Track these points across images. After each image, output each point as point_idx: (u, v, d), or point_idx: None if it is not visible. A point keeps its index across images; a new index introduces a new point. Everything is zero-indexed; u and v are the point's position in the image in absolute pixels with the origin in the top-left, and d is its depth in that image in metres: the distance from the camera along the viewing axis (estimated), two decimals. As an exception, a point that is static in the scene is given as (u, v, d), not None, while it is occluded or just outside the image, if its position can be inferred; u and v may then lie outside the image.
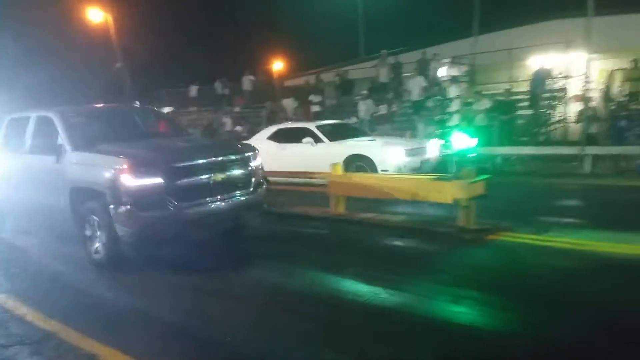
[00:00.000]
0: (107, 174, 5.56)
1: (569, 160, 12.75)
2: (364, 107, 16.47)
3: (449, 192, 6.91)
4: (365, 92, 17.56)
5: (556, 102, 16.73)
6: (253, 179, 6.48)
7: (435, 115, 14.76)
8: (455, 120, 12.73)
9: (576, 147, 12.59)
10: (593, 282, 4.98)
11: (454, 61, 15.58)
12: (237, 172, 6.31)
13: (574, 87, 17.23)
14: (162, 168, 5.59)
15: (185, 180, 5.70)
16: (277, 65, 28.44)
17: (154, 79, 26.98)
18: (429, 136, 12.30)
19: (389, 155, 10.12)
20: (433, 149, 11.00)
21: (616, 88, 16.48)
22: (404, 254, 6.40)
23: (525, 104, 15.91)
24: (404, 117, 16.68)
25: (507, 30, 19.57)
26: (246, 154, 6.49)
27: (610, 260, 5.55)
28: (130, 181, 5.44)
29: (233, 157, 6.34)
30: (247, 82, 23.28)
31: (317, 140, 11.00)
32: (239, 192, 6.27)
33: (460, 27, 18.79)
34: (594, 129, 14.26)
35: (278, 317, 4.56)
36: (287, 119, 17.54)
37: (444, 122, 12.91)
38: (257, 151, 6.72)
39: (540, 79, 16.07)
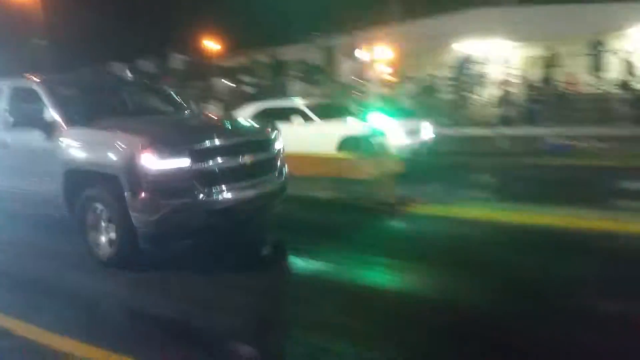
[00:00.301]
0: (123, 155, 4.74)
1: (487, 140, 13.48)
2: (296, 89, 16.61)
3: (369, 169, 7.22)
4: (297, 73, 17.71)
5: (478, 87, 17.58)
6: (278, 162, 5.86)
7: (361, 97, 15.14)
8: (375, 102, 13.11)
9: (494, 128, 13.35)
10: (497, 248, 5.40)
11: (375, 45, 15.98)
12: (263, 154, 5.58)
13: (497, 73, 18.17)
14: (188, 148, 4.83)
15: (212, 163, 4.98)
16: (210, 45, 27.94)
17: (80, 56, 25.78)
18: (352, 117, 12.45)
19: (390, 135, 9.46)
20: (427, 129, 10.77)
21: (535, 74, 17.57)
22: (325, 227, 6.63)
23: (450, 88, 16.63)
24: (335, 98, 16.98)
25: (435, 16, 20.27)
26: (271, 135, 5.82)
27: (515, 229, 6.02)
28: (153, 163, 4.66)
29: (259, 138, 5.71)
30: (176, 60, 22.78)
31: (307, 119, 10.25)
32: (265, 176, 5.55)
33: (392, 11, 19.23)
34: (512, 111, 15.16)
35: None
36: (219, 100, 17.38)
37: (366, 103, 13.24)
38: (278, 132, 6.02)
39: (464, 64, 16.85)
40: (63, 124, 5.31)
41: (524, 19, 18.28)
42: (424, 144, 10.43)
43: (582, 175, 9.13)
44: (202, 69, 22.77)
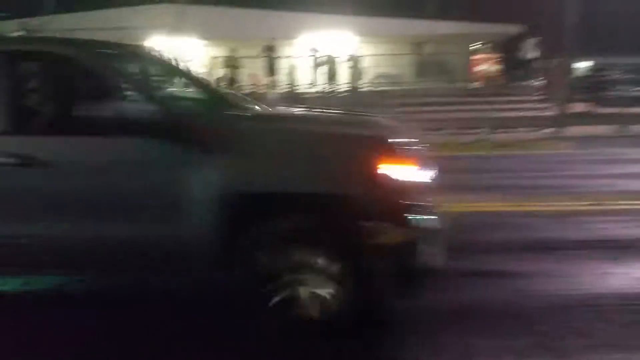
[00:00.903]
0: (355, 165, 3.05)
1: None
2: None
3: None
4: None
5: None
6: None
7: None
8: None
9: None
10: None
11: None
12: None
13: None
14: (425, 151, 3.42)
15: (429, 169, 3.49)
16: None
17: None
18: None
19: None
20: None
21: (220, 73, 18.54)
22: None
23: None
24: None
25: (116, 8, 19.40)
26: None
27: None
28: (412, 173, 3.12)
29: None
30: None
31: None
32: None
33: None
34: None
35: None
36: None
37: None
38: None
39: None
40: (188, 120, 3.19)
41: (208, 19, 19.04)
42: None
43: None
44: None
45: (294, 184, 3.08)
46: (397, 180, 3.03)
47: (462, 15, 20.45)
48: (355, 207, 2.99)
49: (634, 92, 20.09)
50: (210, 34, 19.36)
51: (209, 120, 3.31)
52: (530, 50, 19.55)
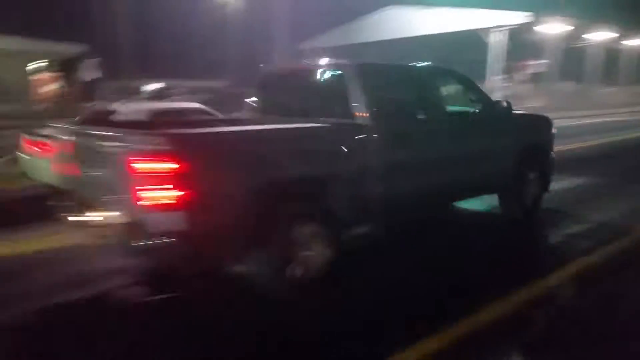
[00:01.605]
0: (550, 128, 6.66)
1: None
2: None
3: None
4: None
5: None
6: None
7: None
8: None
9: None
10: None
11: None
12: None
13: None
14: None
15: None
16: None
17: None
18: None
19: None
20: None
21: None
22: None
23: None
24: None
25: None
26: None
27: None
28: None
29: None
30: None
31: None
32: None
33: None
34: None
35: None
36: None
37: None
38: None
39: None
40: (510, 109, 5.93)
41: None
42: None
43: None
44: None
45: (538, 140, 6.47)
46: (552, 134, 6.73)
47: (18, 31, 19.55)
48: (547, 147, 6.57)
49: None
50: None
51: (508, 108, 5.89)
52: (91, 71, 19.95)
